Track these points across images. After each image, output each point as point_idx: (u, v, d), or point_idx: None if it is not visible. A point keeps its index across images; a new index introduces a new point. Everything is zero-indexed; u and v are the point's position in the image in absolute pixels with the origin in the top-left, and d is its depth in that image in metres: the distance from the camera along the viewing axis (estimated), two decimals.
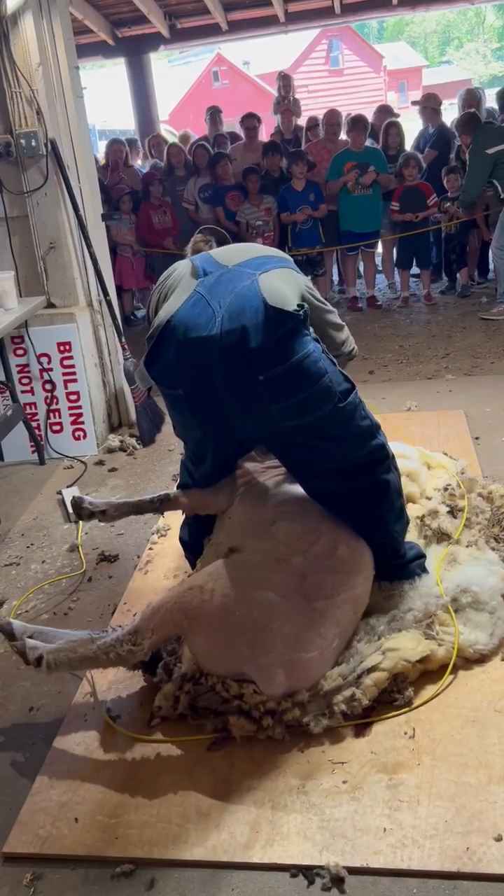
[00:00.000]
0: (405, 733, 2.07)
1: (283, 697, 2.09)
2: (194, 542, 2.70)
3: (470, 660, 2.28)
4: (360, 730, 2.09)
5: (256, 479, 2.54)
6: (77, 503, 2.58)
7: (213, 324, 2.09)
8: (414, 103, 7.90)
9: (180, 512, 2.70)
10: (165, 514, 3.01)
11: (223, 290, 2.16)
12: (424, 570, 2.51)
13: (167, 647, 2.28)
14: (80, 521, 2.58)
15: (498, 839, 1.74)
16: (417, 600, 2.38)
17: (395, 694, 2.16)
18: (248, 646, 2.12)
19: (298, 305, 2.11)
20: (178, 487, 2.69)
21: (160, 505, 2.59)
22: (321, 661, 2.15)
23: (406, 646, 2.21)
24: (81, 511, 2.57)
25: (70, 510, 2.52)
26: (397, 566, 2.47)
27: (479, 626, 2.34)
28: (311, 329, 2.18)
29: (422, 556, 2.55)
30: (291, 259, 2.43)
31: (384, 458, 2.35)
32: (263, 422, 2.18)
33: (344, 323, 2.61)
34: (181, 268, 2.37)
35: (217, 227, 2.71)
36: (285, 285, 2.19)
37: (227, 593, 2.15)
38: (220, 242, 2.59)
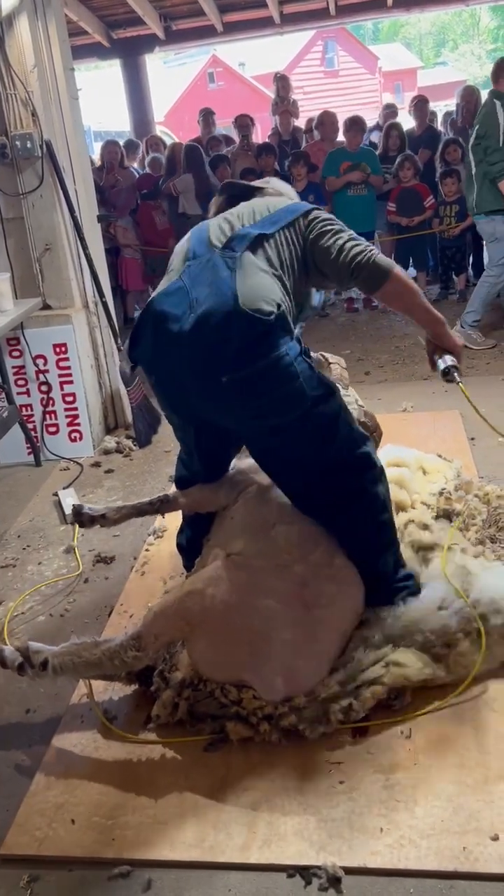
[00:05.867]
0: (402, 733, 2.07)
1: (281, 702, 2.09)
2: (192, 546, 2.67)
3: None
4: (357, 730, 2.09)
5: (261, 476, 2.52)
6: (77, 510, 2.58)
7: (186, 319, 2.09)
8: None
9: (180, 512, 2.70)
10: (165, 515, 2.99)
11: (203, 280, 2.14)
12: (414, 591, 2.37)
13: (162, 654, 2.26)
14: (82, 527, 2.61)
15: (495, 839, 1.74)
16: (434, 620, 2.24)
17: (392, 701, 2.14)
18: (249, 653, 2.11)
19: (275, 306, 2.06)
20: (174, 481, 2.67)
21: (160, 506, 2.59)
22: (319, 667, 2.14)
23: (413, 664, 2.15)
24: (82, 517, 2.58)
25: (69, 517, 2.53)
26: (382, 588, 2.33)
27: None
28: (290, 327, 2.12)
29: (410, 576, 2.41)
30: (302, 204, 2.38)
31: (371, 467, 2.29)
32: (231, 419, 2.19)
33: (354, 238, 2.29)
34: (184, 240, 2.33)
35: (235, 181, 2.66)
36: (264, 278, 2.13)
37: (228, 600, 2.13)
38: (234, 197, 2.52)
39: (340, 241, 2.24)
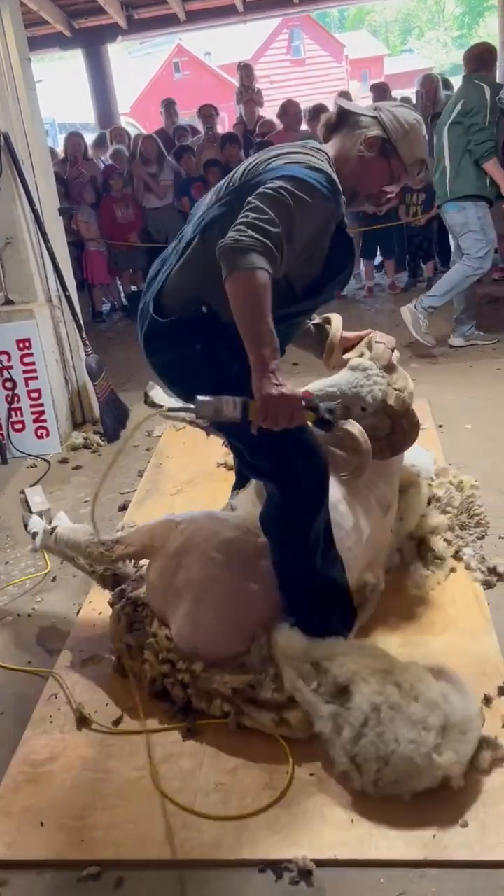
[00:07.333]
0: None
1: (182, 659, 2.16)
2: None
3: None
4: None
5: None
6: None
7: (145, 295, 2.19)
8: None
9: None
10: (137, 511, 2.98)
11: (165, 259, 2.21)
12: (346, 629, 2.23)
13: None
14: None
15: (463, 826, 1.75)
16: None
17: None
18: (176, 593, 2.22)
19: (186, 311, 2.06)
20: None
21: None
22: (226, 633, 2.17)
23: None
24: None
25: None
26: (311, 612, 2.18)
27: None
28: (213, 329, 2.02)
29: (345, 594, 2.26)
30: (276, 172, 1.92)
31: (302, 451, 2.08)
32: None
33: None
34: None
35: (344, 103, 2.24)
36: (197, 276, 2.04)
37: (189, 539, 2.25)
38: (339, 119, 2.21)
39: (240, 221, 1.81)
